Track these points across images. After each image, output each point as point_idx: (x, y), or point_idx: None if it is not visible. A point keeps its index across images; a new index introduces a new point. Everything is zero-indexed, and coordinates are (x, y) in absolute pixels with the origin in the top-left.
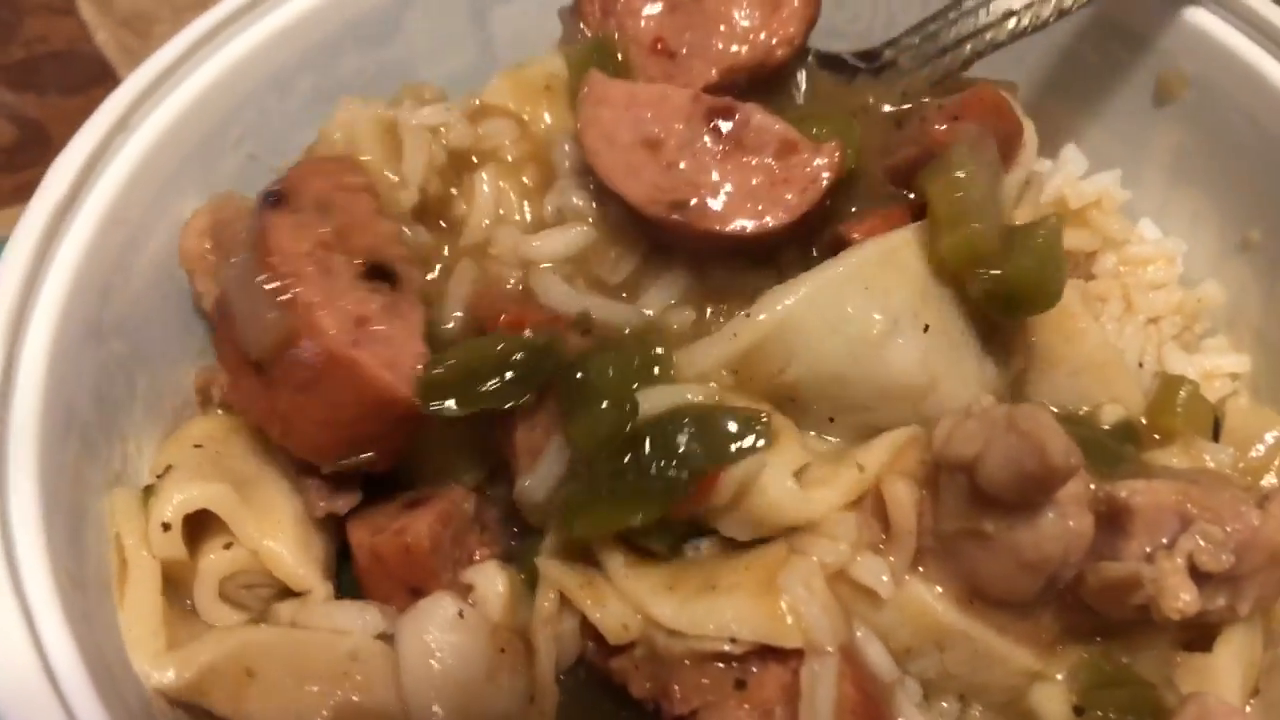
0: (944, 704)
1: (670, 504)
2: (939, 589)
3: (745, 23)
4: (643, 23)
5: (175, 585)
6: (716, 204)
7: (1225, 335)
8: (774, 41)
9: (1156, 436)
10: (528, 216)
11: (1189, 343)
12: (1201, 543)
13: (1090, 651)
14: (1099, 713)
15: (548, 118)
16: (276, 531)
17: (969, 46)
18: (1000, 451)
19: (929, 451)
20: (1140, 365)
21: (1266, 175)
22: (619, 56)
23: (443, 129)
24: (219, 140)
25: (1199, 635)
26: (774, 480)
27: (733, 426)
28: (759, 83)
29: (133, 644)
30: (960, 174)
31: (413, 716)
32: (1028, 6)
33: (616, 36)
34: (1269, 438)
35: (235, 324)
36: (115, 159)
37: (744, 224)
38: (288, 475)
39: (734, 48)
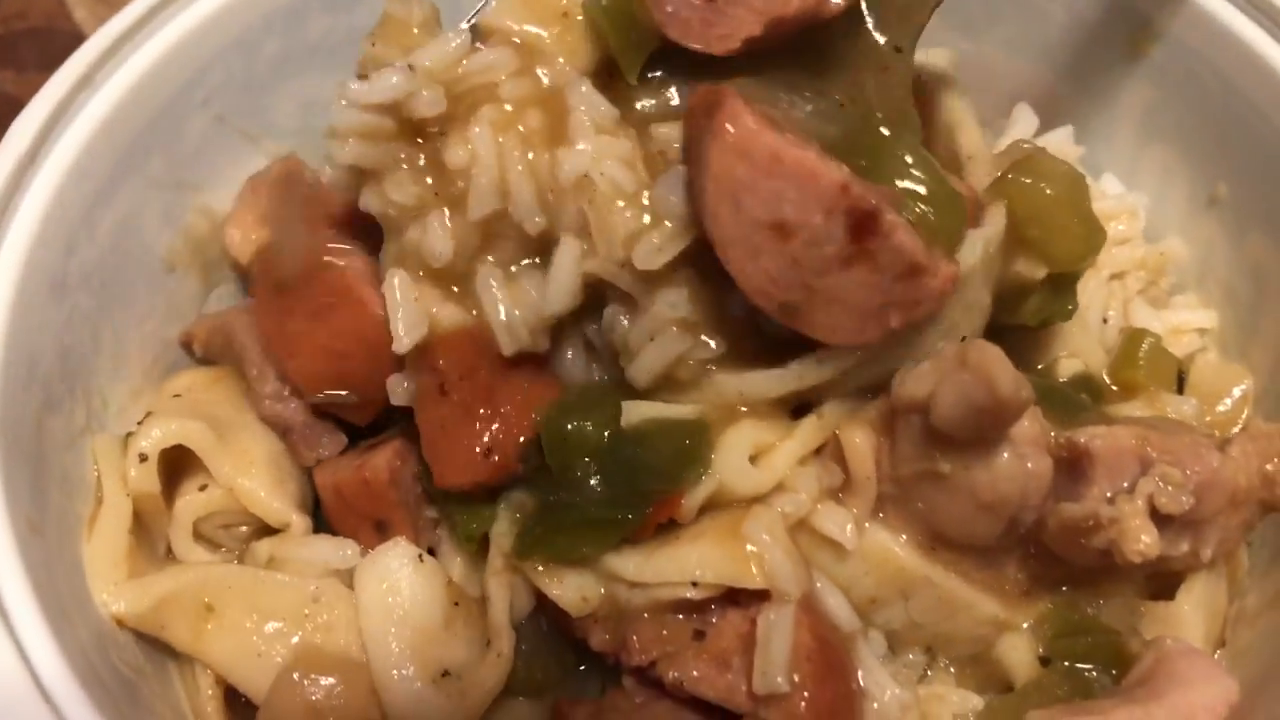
0: (910, 656)
1: (627, 531)
2: (903, 536)
3: None
4: None
5: (149, 532)
6: (823, 314)
7: (1194, 292)
8: None
9: (1117, 390)
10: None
11: (1157, 298)
12: (1162, 485)
13: (1056, 602)
14: (1064, 662)
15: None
16: (251, 469)
17: None
18: (951, 388)
19: (886, 399)
20: (1105, 321)
21: (1234, 130)
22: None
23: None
24: (185, 101)
25: (1163, 584)
26: (727, 464)
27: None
28: (806, 39)
29: (94, 576)
30: None
31: (372, 656)
32: None
33: None
34: (1236, 392)
35: (277, 252)
36: (79, 115)
37: (843, 339)
38: (263, 422)
39: None
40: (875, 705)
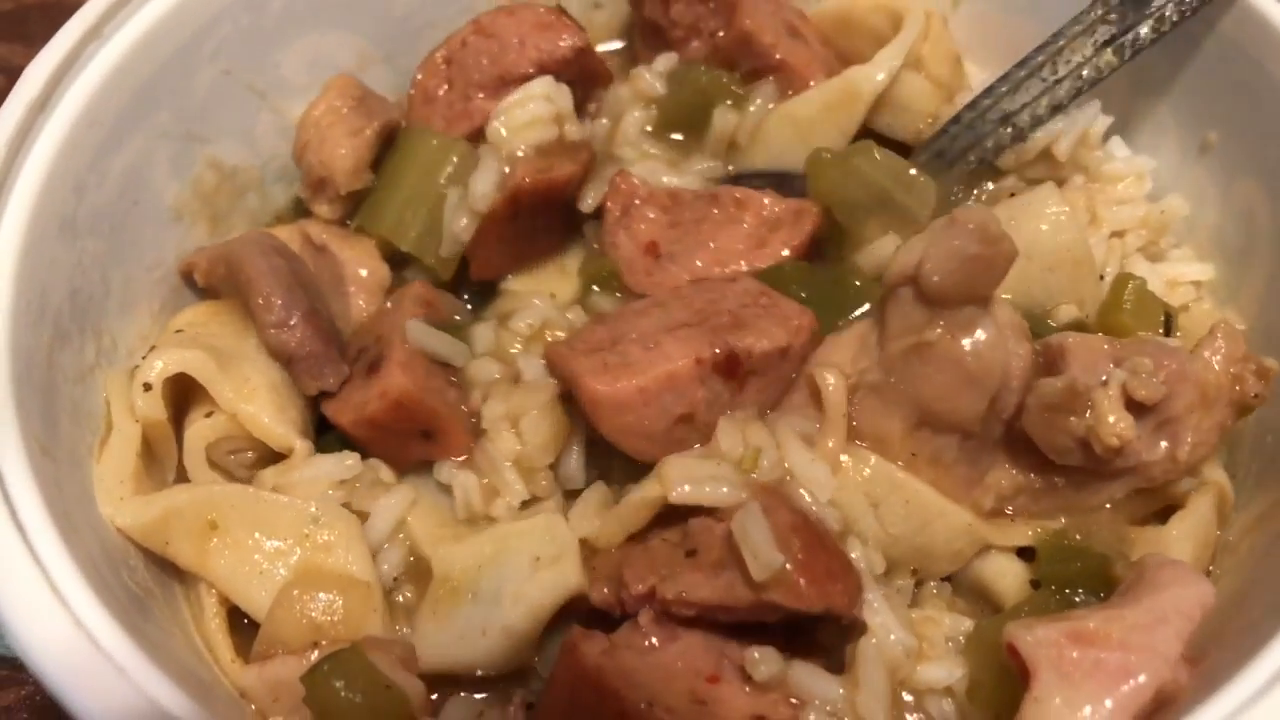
0: (900, 582)
1: None
2: (872, 459)
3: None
4: (645, 227)
5: (157, 460)
6: None
7: (1189, 246)
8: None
9: (1105, 334)
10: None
11: (1156, 254)
12: (1134, 374)
13: (1047, 528)
14: (1054, 586)
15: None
16: (253, 397)
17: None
18: (942, 247)
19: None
20: (1102, 277)
21: (1221, 75)
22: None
23: None
24: (193, 54)
25: (1152, 508)
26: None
27: None
28: None
29: (102, 494)
30: None
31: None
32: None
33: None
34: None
35: None
36: (90, 64)
37: None
38: (263, 353)
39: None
40: (875, 642)
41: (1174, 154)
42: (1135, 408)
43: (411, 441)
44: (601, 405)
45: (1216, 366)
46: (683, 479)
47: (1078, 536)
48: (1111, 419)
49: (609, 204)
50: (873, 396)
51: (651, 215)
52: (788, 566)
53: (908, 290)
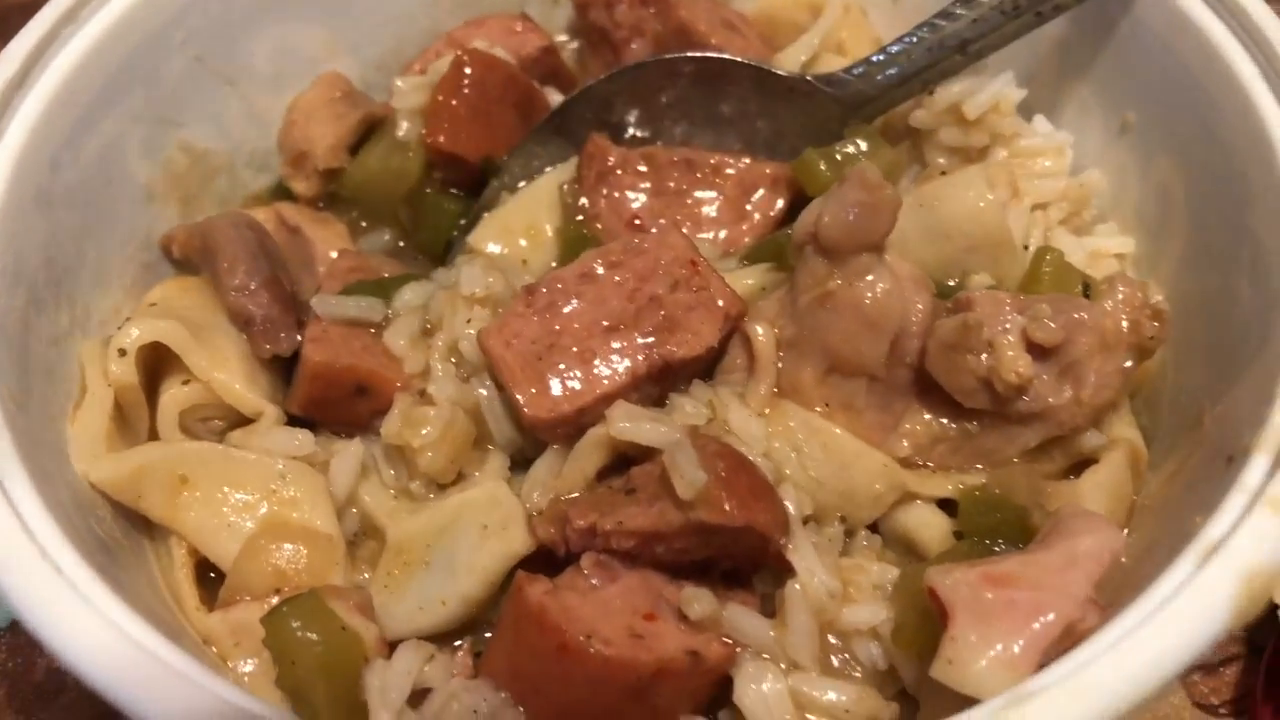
0: (830, 529)
1: None
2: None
3: (711, 218)
4: (628, 198)
5: (129, 424)
6: None
7: (1114, 221)
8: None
9: None
10: None
11: (1080, 228)
12: (1034, 320)
13: (967, 482)
14: (976, 537)
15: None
16: (225, 365)
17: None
18: (835, 201)
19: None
20: (1026, 248)
21: (1138, 58)
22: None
23: None
24: (164, 40)
25: (1066, 463)
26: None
27: None
28: None
29: (76, 451)
30: None
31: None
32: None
33: (599, 226)
34: None
35: None
36: (65, 47)
37: None
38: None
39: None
40: (799, 587)
41: (1097, 133)
42: (1037, 352)
43: (353, 403)
44: (538, 425)
45: (1114, 313)
46: (624, 419)
47: (997, 491)
48: (1010, 355)
49: (583, 169)
50: (789, 350)
51: (633, 184)
52: (711, 485)
53: (811, 246)
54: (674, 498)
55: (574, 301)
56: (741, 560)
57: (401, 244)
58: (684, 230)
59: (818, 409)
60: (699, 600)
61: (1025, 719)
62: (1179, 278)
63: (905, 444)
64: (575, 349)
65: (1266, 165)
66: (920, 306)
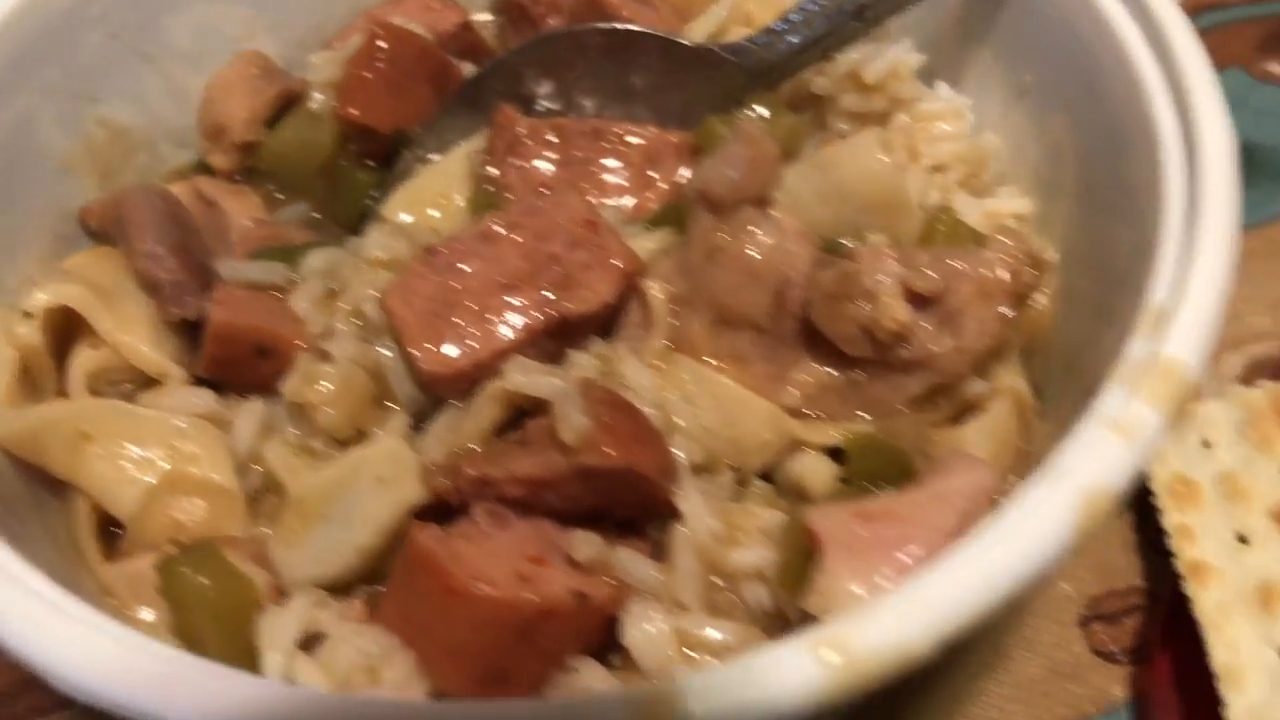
0: (721, 478)
1: None
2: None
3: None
4: (536, 168)
5: (35, 388)
6: None
7: (1014, 184)
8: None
9: None
10: None
11: (981, 189)
12: (912, 269)
13: (854, 430)
14: (861, 483)
15: None
16: (133, 329)
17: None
18: (718, 157)
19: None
20: (921, 209)
21: (1032, 22)
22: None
23: None
24: (79, 16)
25: (951, 411)
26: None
27: None
28: None
29: None
30: None
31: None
32: None
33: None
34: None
35: None
36: None
37: None
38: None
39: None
40: (685, 530)
41: (997, 97)
42: (917, 302)
43: (256, 364)
44: (435, 381)
45: (993, 262)
46: (518, 372)
47: (883, 438)
48: (888, 303)
49: (493, 140)
50: (682, 306)
51: (541, 153)
52: (594, 430)
53: (702, 205)
54: (561, 445)
55: (473, 261)
56: (634, 509)
57: (318, 216)
58: (591, 197)
59: (709, 361)
60: (587, 544)
61: (863, 633)
62: (1070, 233)
63: (795, 394)
64: (473, 306)
65: (1141, 116)
66: (804, 258)
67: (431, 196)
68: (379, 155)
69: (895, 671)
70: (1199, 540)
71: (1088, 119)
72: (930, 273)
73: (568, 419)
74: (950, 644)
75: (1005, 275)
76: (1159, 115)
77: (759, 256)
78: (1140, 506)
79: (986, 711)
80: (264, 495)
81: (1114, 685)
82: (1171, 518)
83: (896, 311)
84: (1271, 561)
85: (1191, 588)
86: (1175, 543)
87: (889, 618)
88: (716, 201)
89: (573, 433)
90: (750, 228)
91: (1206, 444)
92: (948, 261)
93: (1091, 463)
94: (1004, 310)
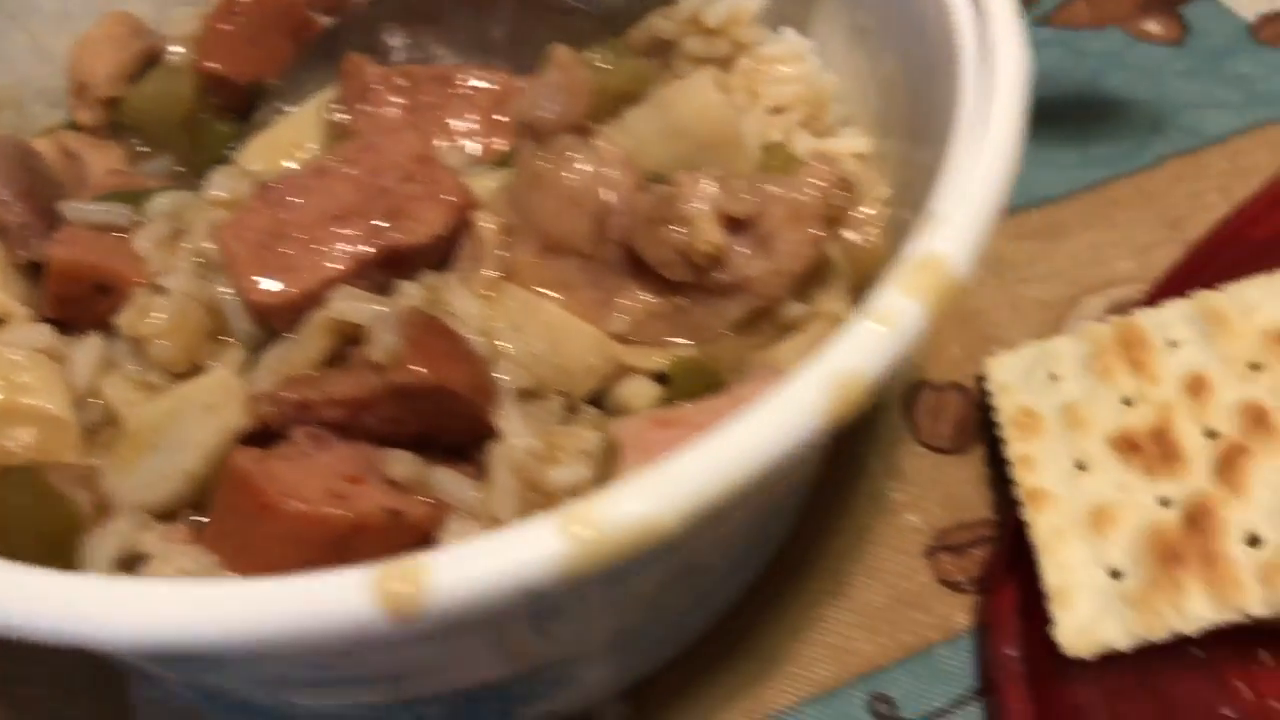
0: (550, 404)
1: None
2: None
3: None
4: (386, 115)
5: None
6: None
7: (857, 124)
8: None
9: None
10: None
11: (822, 130)
12: (727, 193)
13: (680, 356)
14: (683, 399)
15: None
16: None
17: None
18: (535, 86)
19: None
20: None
21: None
22: None
23: None
24: None
25: (772, 335)
26: None
27: None
28: None
29: None
30: None
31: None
32: None
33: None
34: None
35: None
36: None
37: None
38: None
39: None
40: (502, 448)
41: (840, 40)
42: (733, 226)
43: (96, 301)
44: (265, 311)
45: (804, 185)
46: (343, 299)
47: (704, 360)
48: (702, 226)
49: (343, 88)
50: (512, 236)
51: (391, 100)
52: (403, 347)
53: (527, 139)
54: (375, 366)
55: (305, 195)
56: (457, 432)
57: (182, 169)
58: (441, 140)
59: (538, 290)
60: (403, 462)
61: (612, 509)
62: (899, 169)
63: (622, 320)
64: (302, 238)
65: (949, 46)
66: (625, 185)
67: (286, 146)
68: (239, 108)
69: (644, 545)
70: (1039, 468)
71: (914, 57)
72: (744, 196)
73: (378, 339)
74: (699, 520)
75: (815, 198)
76: (963, 45)
77: (578, 183)
78: (991, 441)
79: (827, 637)
80: (103, 429)
81: (959, 613)
82: (1014, 448)
83: (710, 234)
84: (1106, 485)
85: (1029, 513)
86: (1016, 471)
87: (637, 494)
88: (536, 130)
89: (383, 351)
90: (570, 154)
91: (1053, 377)
92: (762, 187)
93: (846, 350)
94: (816, 232)
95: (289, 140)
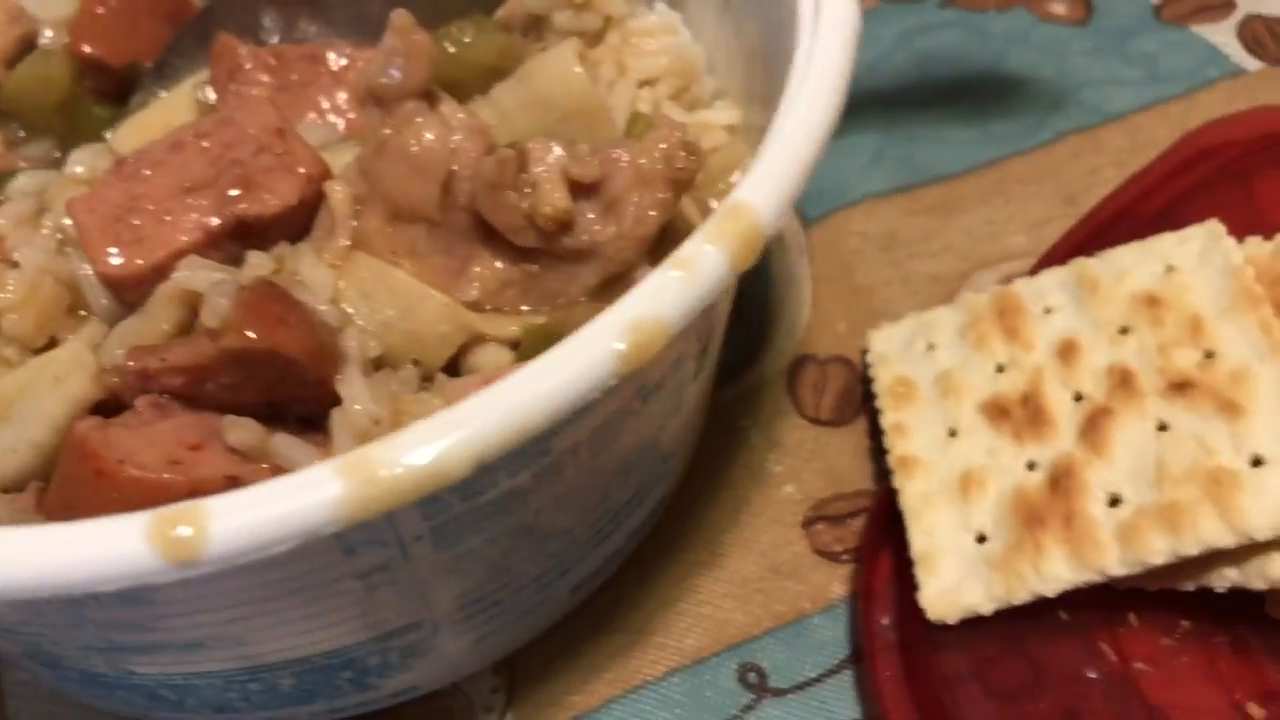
0: (403, 373)
1: None
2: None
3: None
4: (255, 90)
5: None
6: None
7: (729, 98)
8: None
9: None
10: None
11: (692, 103)
12: (572, 158)
13: (533, 323)
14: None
15: None
16: None
17: None
18: (377, 53)
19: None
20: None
21: None
22: None
23: None
24: None
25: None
26: None
27: None
28: None
29: None
30: None
31: None
32: None
33: None
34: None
35: None
36: None
37: None
38: None
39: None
40: (343, 413)
41: (712, 13)
42: (580, 191)
43: None
44: (116, 283)
45: (650, 150)
46: (186, 269)
47: (555, 327)
48: (547, 190)
49: (214, 69)
50: (362, 205)
51: (260, 80)
52: (234, 312)
53: (367, 102)
54: (210, 332)
55: (159, 169)
56: (306, 401)
57: (60, 155)
58: (314, 116)
59: (388, 258)
60: (242, 429)
61: (396, 454)
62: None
63: (475, 288)
64: (153, 210)
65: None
66: (472, 151)
67: (158, 128)
68: (116, 91)
69: (425, 490)
70: (911, 436)
71: (769, 25)
72: (589, 160)
73: (212, 305)
74: (486, 464)
75: (660, 162)
76: (802, 8)
77: (422, 150)
78: (872, 413)
79: (700, 608)
80: None
81: (834, 583)
82: (888, 417)
83: (554, 199)
84: (975, 451)
85: (899, 480)
86: (889, 439)
87: (419, 440)
88: (380, 97)
89: (214, 316)
90: (415, 121)
91: (931, 347)
92: (607, 152)
93: (643, 296)
94: (663, 196)
95: (161, 122)
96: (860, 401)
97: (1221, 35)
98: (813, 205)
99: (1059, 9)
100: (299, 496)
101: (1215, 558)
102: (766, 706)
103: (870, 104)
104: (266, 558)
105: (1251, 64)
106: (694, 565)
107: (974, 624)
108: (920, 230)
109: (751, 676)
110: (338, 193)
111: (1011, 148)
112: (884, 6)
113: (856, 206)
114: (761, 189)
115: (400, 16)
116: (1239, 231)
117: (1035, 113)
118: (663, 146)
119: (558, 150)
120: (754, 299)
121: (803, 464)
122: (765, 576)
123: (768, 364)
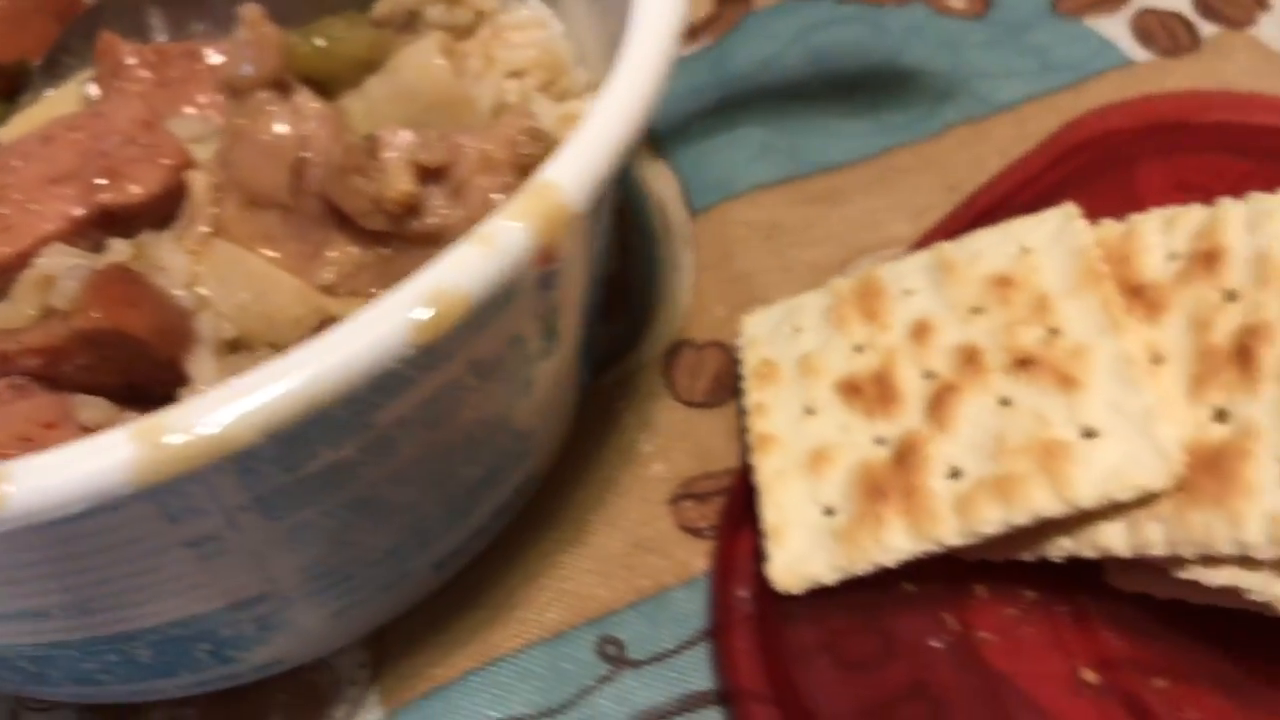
0: (260, 354)
1: None
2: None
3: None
4: (136, 87)
5: None
6: None
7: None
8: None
9: None
10: None
11: (561, 94)
12: (418, 143)
13: None
14: None
15: None
16: None
17: None
18: (230, 44)
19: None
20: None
21: None
22: None
23: None
24: None
25: None
26: None
27: None
28: None
29: None
30: None
31: None
32: None
33: None
34: None
35: None
36: None
37: None
38: None
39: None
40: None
41: (583, 6)
42: (427, 175)
43: None
44: None
45: (496, 135)
46: (46, 257)
47: None
48: (393, 174)
49: (98, 66)
50: (221, 193)
51: (141, 76)
52: (81, 293)
53: (223, 92)
54: (62, 314)
55: (28, 160)
56: (162, 383)
57: None
58: (192, 110)
59: (246, 244)
60: (92, 407)
61: (187, 421)
62: None
63: (329, 271)
64: (19, 199)
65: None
66: (322, 137)
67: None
68: (4, 89)
69: (216, 455)
70: (770, 415)
71: (618, 15)
72: (435, 145)
73: (62, 288)
74: (278, 434)
75: (505, 148)
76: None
77: (271, 136)
78: (742, 394)
79: (562, 584)
80: None
81: (697, 558)
82: (751, 397)
83: (400, 182)
84: (827, 428)
85: (756, 458)
86: (750, 419)
87: (213, 407)
88: (234, 88)
89: (62, 297)
90: (266, 109)
91: (796, 330)
92: (456, 138)
93: (443, 269)
94: (508, 180)
95: (47, 119)
96: (734, 384)
97: (1115, 28)
98: (699, 196)
99: (957, 3)
100: (93, 459)
101: (1051, 528)
102: (624, 678)
103: (763, 98)
104: (77, 519)
105: (1141, 55)
106: (560, 543)
107: (826, 597)
108: (803, 219)
109: (610, 649)
110: (198, 181)
111: (900, 139)
112: (784, 4)
113: (742, 197)
114: (568, 168)
115: (250, 10)
116: (1117, 218)
117: (926, 104)
118: (509, 133)
119: (406, 136)
120: (637, 288)
121: (673, 444)
122: (630, 552)
123: (646, 349)
